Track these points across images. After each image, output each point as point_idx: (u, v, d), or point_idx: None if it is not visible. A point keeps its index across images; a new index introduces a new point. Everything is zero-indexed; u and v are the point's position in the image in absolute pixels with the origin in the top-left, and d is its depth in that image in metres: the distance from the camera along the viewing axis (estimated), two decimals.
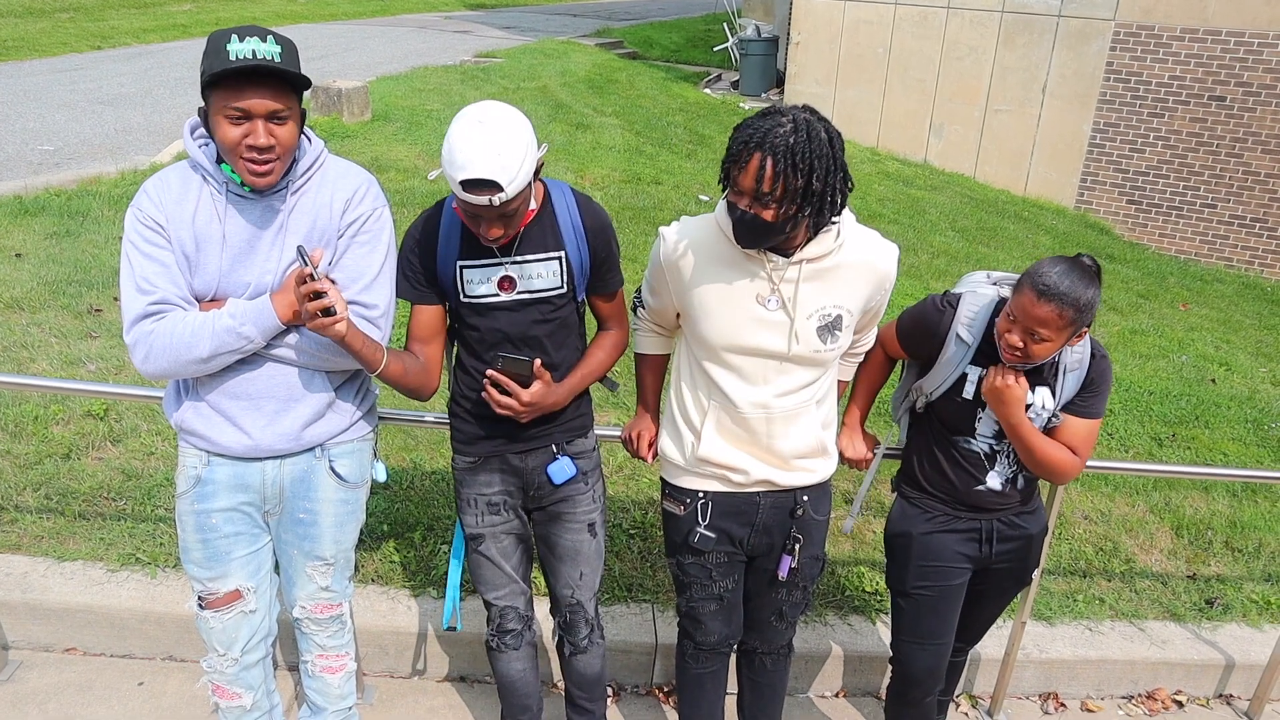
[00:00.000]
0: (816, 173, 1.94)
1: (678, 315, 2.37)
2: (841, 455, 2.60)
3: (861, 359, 2.59)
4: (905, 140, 11.59)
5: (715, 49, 15.71)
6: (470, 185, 1.97)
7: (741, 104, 12.79)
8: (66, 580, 3.17)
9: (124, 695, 3.01)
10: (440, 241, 2.24)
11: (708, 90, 13.68)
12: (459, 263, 2.24)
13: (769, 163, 1.91)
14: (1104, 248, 9.67)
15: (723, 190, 2.08)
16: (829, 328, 2.19)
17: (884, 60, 11.49)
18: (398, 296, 2.30)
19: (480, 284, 2.24)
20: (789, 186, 1.93)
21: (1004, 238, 8.95)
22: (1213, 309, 8.32)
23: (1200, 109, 9.97)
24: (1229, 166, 10.02)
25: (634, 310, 2.51)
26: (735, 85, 13.93)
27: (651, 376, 2.58)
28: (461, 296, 2.26)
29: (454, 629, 2.66)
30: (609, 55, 14.90)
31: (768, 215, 1.98)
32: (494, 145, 1.96)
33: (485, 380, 2.24)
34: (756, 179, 1.93)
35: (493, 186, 1.97)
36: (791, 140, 1.91)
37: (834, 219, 2.10)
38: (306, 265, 1.93)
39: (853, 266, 2.18)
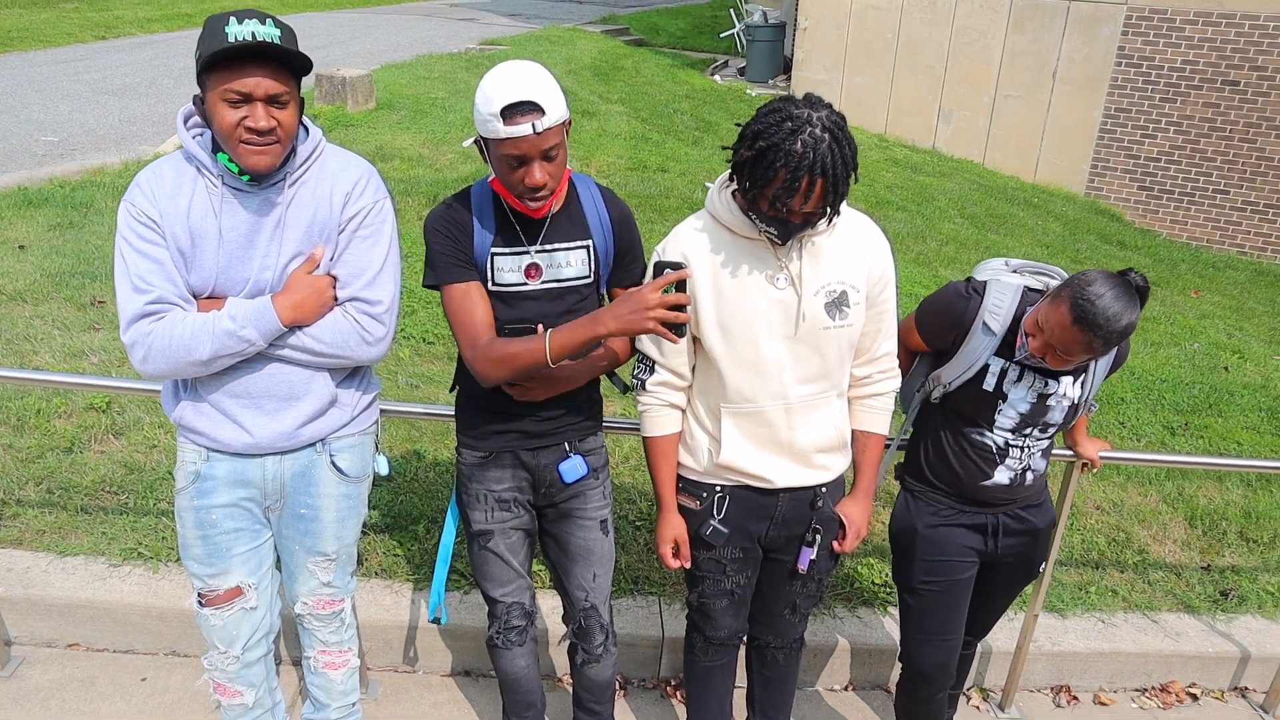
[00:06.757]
0: (852, 177, 2.05)
1: (694, 340, 2.28)
2: (844, 519, 2.47)
3: (886, 400, 2.43)
4: (913, 127, 11.50)
5: (722, 35, 15.60)
6: (510, 111, 1.96)
7: (749, 91, 12.71)
8: (69, 575, 3.15)
9: (127, 691, 2.99)
10: (475, 227, 2.19)
11: (715, 77, 13.59)
12: (491, 250, 2.20)
13: (819, 183, 1.98)
14: (1114, 234, 9.58)
15: (747, 195, 2.06)
16: (836, 303, 2.20)
17: (892, 46, 11.39)
18: (446, 284, 2.21)
19: (509, 271, 2.21)
20: (830, 194, 2.04)
21: (1013, 224, 8.87)
22: (1225, 296, 8.24)
23: (1213, 94, 9.85)
24: (1242, 152, 9.91)
25: (636, 389, 2.37)
26: (742, 72, 13.84)
27: (667, 465, 2.40)
28: (490, 285, 2.22)
29: (438, 621, 2.62)
30: (615, 42, 14.81)
31: (798, 219, 2.06)
32: (526, 75, 2.00)
33: None
34: (806, 197, 2.00)
35: (533, 109, 1.98)
36: (832, 156, 1.97)
37: None
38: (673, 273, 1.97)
39: (846, 240, 2.23)
